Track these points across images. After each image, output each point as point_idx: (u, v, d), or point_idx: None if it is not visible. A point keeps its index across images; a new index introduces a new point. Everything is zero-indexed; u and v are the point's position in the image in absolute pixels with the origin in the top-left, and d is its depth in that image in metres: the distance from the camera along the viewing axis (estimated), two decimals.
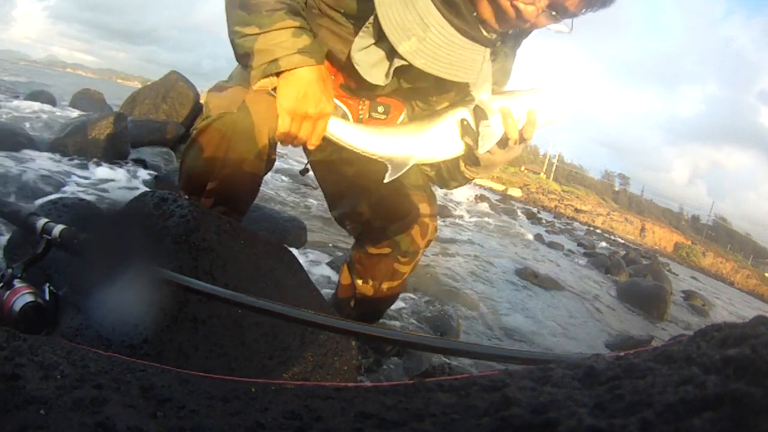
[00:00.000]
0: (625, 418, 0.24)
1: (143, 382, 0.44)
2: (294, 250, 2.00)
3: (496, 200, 11.77)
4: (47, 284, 0.80)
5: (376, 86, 0.93)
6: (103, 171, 2.53)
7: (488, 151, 0.94)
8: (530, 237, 6.69)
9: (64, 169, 2.35)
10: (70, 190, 2.05)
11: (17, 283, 0.78)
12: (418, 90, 1.05)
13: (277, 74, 0.85)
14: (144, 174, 2.71)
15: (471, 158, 0.98)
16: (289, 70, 0.84)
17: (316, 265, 2.01)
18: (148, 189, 2.33)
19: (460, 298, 2.29)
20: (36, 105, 4.76)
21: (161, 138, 3.37)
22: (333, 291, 1.52)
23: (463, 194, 9.97)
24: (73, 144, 2.63)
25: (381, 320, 1.60)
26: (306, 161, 1.27)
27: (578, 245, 8.24)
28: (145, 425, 0.35)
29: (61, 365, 0.43)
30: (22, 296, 0.76)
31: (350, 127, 0.97)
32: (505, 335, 2.00)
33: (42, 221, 0.87)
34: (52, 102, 5.31)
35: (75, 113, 4.50)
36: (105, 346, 0.70)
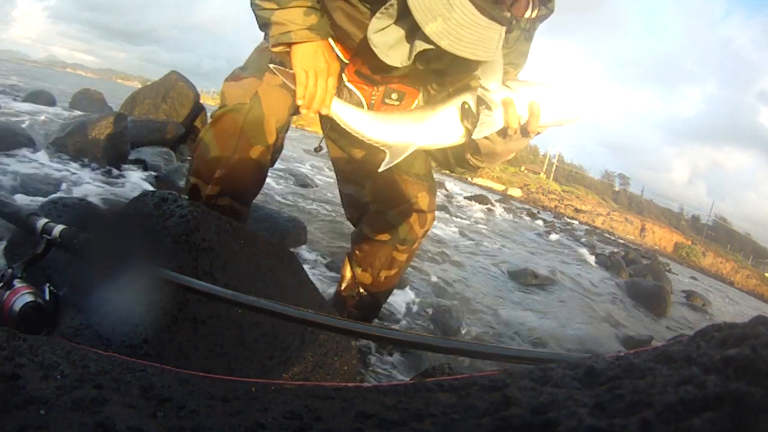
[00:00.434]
0: (625, 418, 0.24)
1: (143, 382, 0.44)
2: (294, 250, 2.00)
3: (496, 200, 11.77)
4: (47, 284, 0.80)
5: (391, 69, 0.95)
6: (102, 171, 2.53)
7: (488, 139, 0.93)
8: (530, 236, 6.69)
9: (63, 169, 2.34)
10: (70, 190, 2.05)
11: (17, 283, 0.78)
12: (434, 72, 1.04)
13: (289, 45, 0.98)
14: (144, 174, 2.71)
15: (472, 146, 0.98)
16: (299, 42, 0.97)
17: (316, 265, 2.01)
18: (148, 189, 2.33)
19: (461, 297, 2.29)
20: (36, 105, 4.76)
21: (161, 138, 3.37)
22: (333, 291, 1.52)
23: (462, 194, 9.97)
24: (73, 144, 2.62)
25: (382, 320, 1.60)
26: (321, 138, 1.31)
27: (578, 245, 8.24)
28: (145, 425, 0.35)
29: (61, 365, 0.43)
30: (22, 296, 0.76)
31: (354, 111, 1.00)
32: (505, 335, 2.00)
33: (42, 221, 0.87)
34: (52, 102, 5.31)
35: (75, 113, 4.50)
36: (105, 346, 0.70)
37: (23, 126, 3.04)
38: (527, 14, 0.86)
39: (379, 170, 0.99)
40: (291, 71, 0.99)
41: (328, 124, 1.18)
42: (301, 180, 4.31)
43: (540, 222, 10.38)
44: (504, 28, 0.83)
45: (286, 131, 1.18)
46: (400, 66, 0.90)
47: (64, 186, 2.07)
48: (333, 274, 1.93)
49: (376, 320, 1.53)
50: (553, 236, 7.79)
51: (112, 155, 2.70)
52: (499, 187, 27.22)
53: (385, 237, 1.26)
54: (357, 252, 1.34)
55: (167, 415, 0.38)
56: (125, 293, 0.74)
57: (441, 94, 1.09)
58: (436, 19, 0.79)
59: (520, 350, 0.52)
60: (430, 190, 1.26)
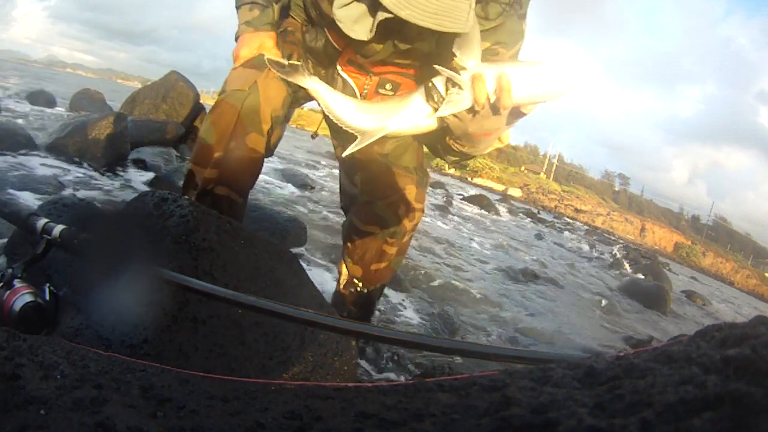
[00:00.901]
0: (625, 418, 0.24)
1: (143, 382, 0.44)
2: (294, 250, 2.00)
3: (496, 200, 11.77)
4: (47, 284, 0.80)
5: (374, 52, 0.98)
6: (102, 171, 2.53)
7: (457, 118, 0.91)
8: (531, 236, 6.69)
9: (63, 169, 2.34)
10: (70, 190, 2.05)
11: (17, 283, 0.78)
12: (426, 57, 1.02)
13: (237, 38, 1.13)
14: (144, 174, 2.71)
15: (444, 127, 0.96)
16: (241, 35, 1.13)
17: (316, 265, 2.01)
18: (148, 189, 2.33)
19: (460, 297, 2.29)
20: (35, 105, 4.76)
21: (161, 138, 3.37)
22: (333, 291, 1.52)
23: (462, 194, 9.96)
24: (73, 144, 2.62)
25: (382, 320, 1.60)
26: (318, 125, 1.34)
27: (579, 245, 8.24)
28: (145, 425, 0.35)
29: (61, 365, 0.43)
30: (22, 296, 0.75)
31: (330, 94, 1.01)
32: (505, 335, 1.99)
33: (42, 221, 0.87)
34: (52, 102, 5.31)
35: (75, 113, 4.50)
36: (105, 346, 0.70)
37: (23, 126, 3.03)
38: None
39: (344, 154, 1.03)
40: (283, 63, 1.02)
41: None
42: (301, 180, 4.31)
43: (540, 222, 10.38)
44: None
45: (283, 124, 1.19)
46: (365, 39, 0.90)
47: (64, 186, 2.07)
48: (332, 273, 1.93)
49: (376, 320, 1.53)
50: (553, 236, 7.79)
51: (112, 155, 2.70)
52: (499, 187, 27.22)
53: (374, 229, 1.27)
54: (348, 244, 1.35)
55: (167, 415, 0.38)
56: (125, 293, 0.74)
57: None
58: None
59: (520, 350, 0.52)
60: (419, 183, 1.26)
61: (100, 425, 0.34)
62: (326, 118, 1.19)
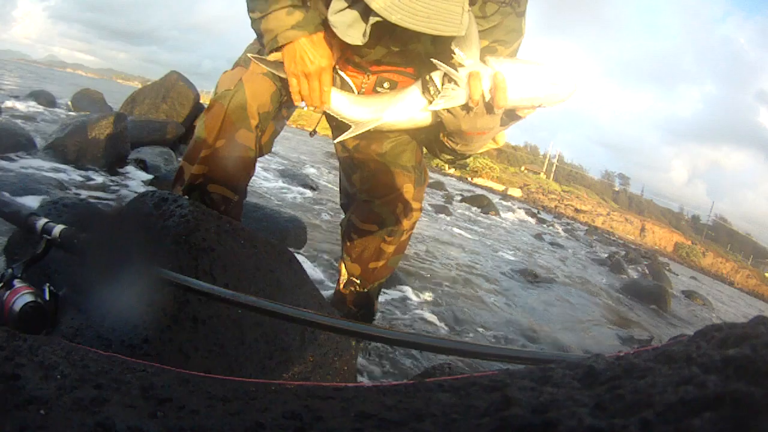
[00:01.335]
0: (625, 418, 0.24)
1: (143, 382, 0.44)
2: (294, 250, 2.00)
3: (496, 201, 11.77)
4: (47, 284, 0.80)
5: (369, 52, 0.98)
6: (102, 171, 2.53)
7: (451, 114, 0.91)
8: (531, 236, 6.69)
9: (63, 169, 2.34)
10: (70, 190, 2.05)
11: (17, 283, 0.78)
12: (425, 57, 1.02)
13: (280, 48, 1.00)
14: (144, 174, 2.71)
15: (438, 122, 0.97)
16: (288, 43, 0.98)
17: (316, 265, 2.01)
18: (148, 189, 2.33)
19: (461, 297, 2.29)
20: (35, 105, 4.76)
21: (161, 138, 3.37)
22: (333, 290, 1.52)
23: (462, 195, 9.96)
24: (73, 144, 2.62)
25: (383, 320, 1.60)
26: (317, 123, 1.34)
27: (579, 245, 8.24)
28: (145, 425, 0.35)
29: (61, 365, 0.43)
30: (22, 296, 0.75)
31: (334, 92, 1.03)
32: (505, 335, 2.00)
33: (42, 221, 0.87)
34: (52, 102, 5.31)
35: (75, 113, 4.50)
36: (105, 346, 0.70)
37: (23, 126, 3.03)
38: None
39: (336, 140, 1.04)
40: (269, 58, 1.01)
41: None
42: (301, 181, 4.31)
43: (541, 222, 10.38)
44: (466, 1, 0.81)
45: (277, 120, 1.19)
46: (360, 43, 0.90)
47: (64, 186, 2.07)
48: (332, 273, 1.93)
49: (376, 320, 1.53)
50: (553, 236, 7.79)
51: (112, 155, 2.70)
52: (499, 187, 27.23)
53: (372, 227, 1.28)
54: (347, 242, 1.36)
55: (167, 415, 0.38)
56: (125, 293, 0.74)
57: None
58: None
59: (520, 350, 0.52)
60: (418, 182, 1.26)
61: (100, 425, 0.34)
62: (326, 116, 1.19)
